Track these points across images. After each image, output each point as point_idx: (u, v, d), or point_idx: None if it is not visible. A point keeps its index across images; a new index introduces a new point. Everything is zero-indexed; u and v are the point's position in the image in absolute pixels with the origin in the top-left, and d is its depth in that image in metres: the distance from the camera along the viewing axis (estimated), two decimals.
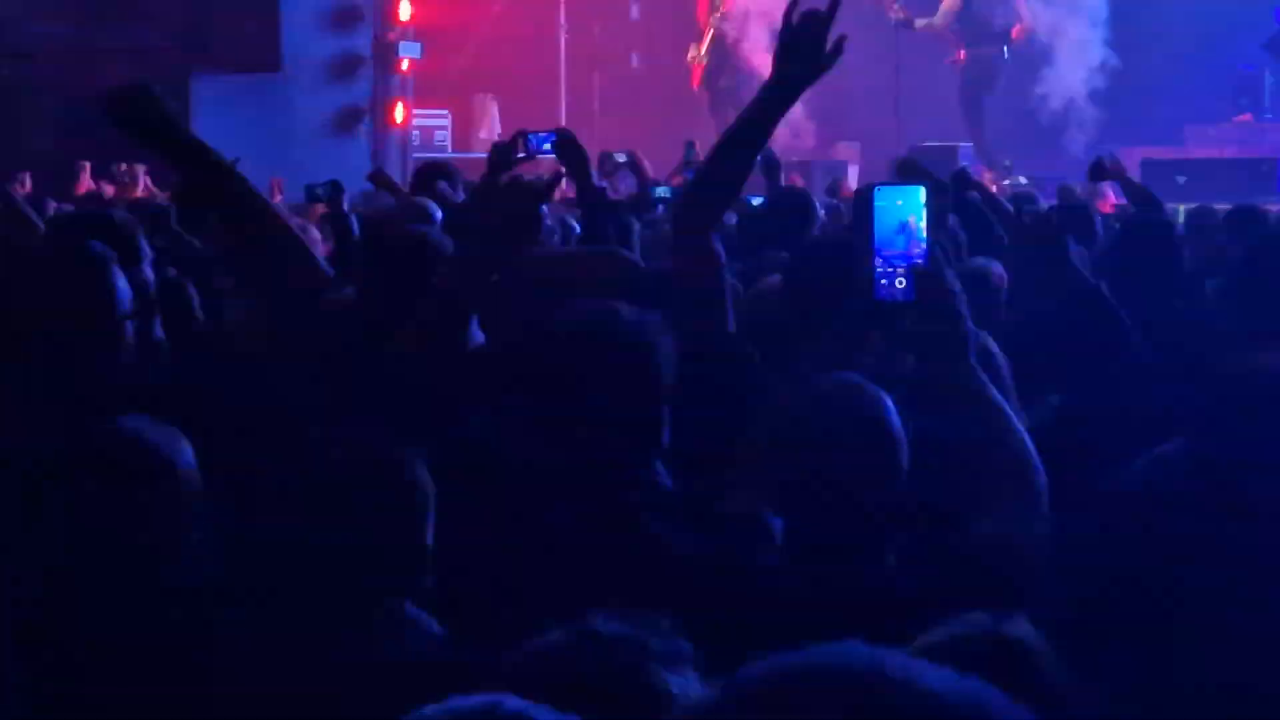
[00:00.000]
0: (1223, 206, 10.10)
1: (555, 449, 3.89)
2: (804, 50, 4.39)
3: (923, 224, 3.78)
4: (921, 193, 3.80)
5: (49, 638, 3.36)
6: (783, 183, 10.48)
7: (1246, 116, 21.10)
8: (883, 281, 3.79)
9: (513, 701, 1.65)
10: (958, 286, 3.82)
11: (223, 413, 4.10)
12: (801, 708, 1.06)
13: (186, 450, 3.56)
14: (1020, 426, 3.83)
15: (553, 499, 3.89)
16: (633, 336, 3.88)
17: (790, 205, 7.88)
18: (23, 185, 12.77)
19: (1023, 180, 17.59)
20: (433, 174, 8.59)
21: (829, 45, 4.41)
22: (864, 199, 3.92)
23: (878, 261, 3.79)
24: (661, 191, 10.93)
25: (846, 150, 21.90)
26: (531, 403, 3.97)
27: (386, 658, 3.17)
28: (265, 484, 3.78)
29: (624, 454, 3.85)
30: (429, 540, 3.34)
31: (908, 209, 3.78)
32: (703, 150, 13.42)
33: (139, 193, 13.44)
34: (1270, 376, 3.34)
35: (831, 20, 4.39)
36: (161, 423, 3.58)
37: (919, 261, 3.77)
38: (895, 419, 3.68)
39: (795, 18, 4.42)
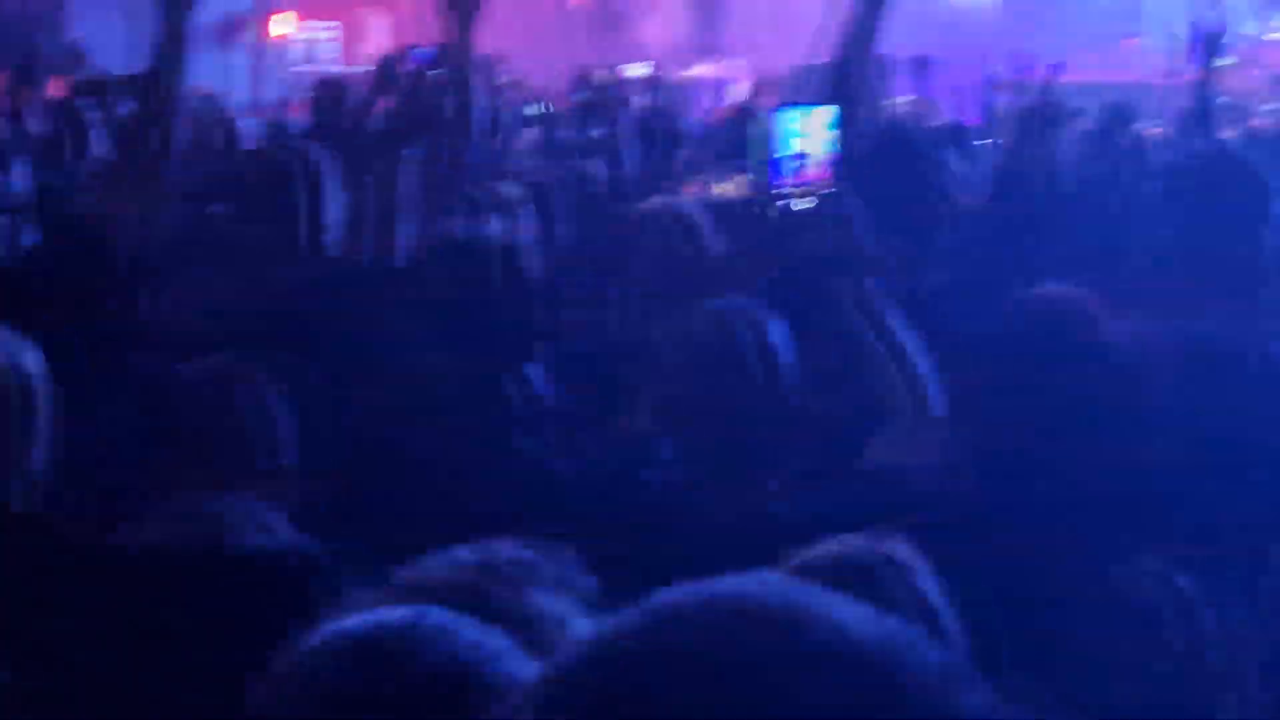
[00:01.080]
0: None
1: (432, 361, 4.05)
2: None
3: (824, 144, 3.77)
4: (823, 113, 3.80)
5: None
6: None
7: (1133, 40, 21.19)
8: (780, 202, 3.79)
9: (437, 614, 1.67)
10: (855, 209, 3.83)
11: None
12: (713, 645, 1.06)
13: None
14: (917, 353, 3.83)
15: (430, 410, 3.99)
16: (494, 249, 4.09)
17: None
18: None
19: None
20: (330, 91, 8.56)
21: None
22: (767, 118, 3.91)
23: (778, 180, 3.79)
24: (530, 110, 10.90)
25: (732, 67, 21.82)
26: (411, 317, 4.09)
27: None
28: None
29: (496, 364, 4.00)
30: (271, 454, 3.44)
31: (810, 129, 3.78)
32: (588, 71, 13.36)
33: None
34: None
35: None
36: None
37: (817, 182, 3.77)
38: (781, 342, 3.69)
39: None
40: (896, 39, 16.74)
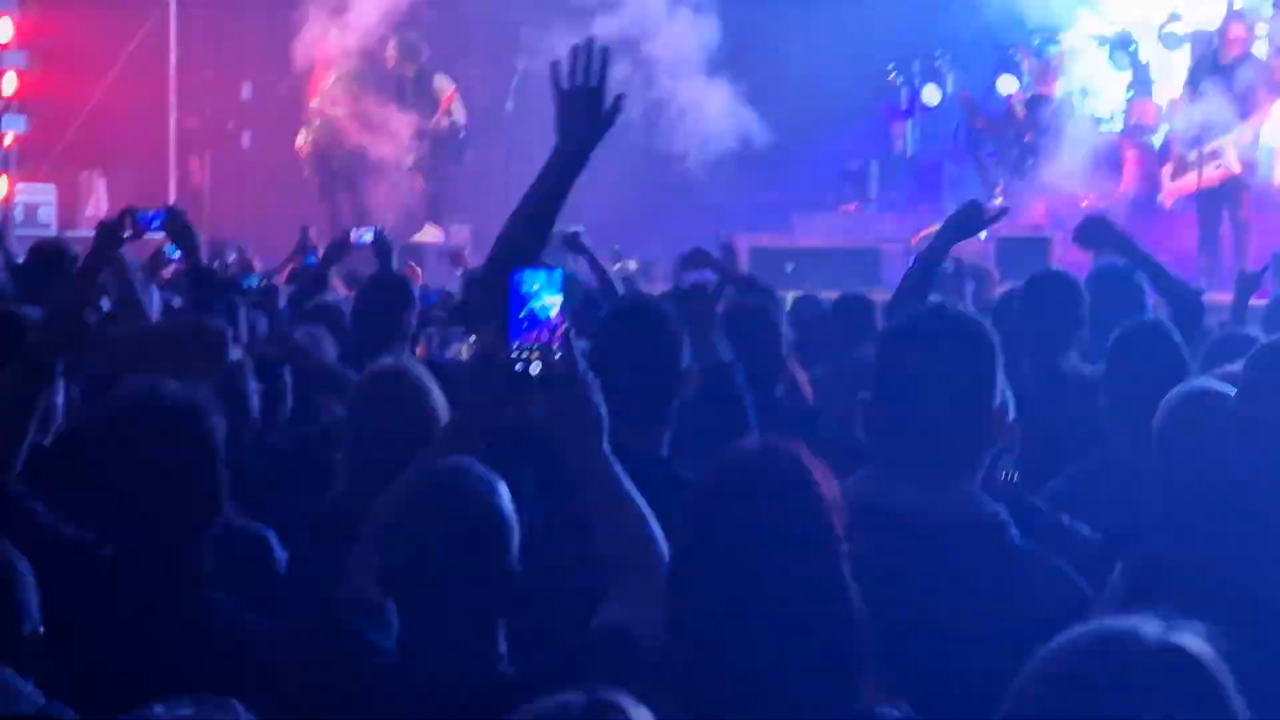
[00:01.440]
0: (829, 294, 10.34)
1: (111, 527, 4.10)
2: (584, 112, 4.37)
3: (557, 306, 3.78)
4: (558, 275, 3.81)
5: None
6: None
7: (852, 206, 21.60)
8: (519, 366, 3.78)
9: None
10: (588, 373, 3.82)
11: None
12: None
13: None
14: (646, 514, 3.82)
15: (113, 580, 4.04)
16: (176, 409, 4.11)
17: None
18: None
19: (632, 265, 17.64)
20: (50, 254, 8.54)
21: (607, 104, 4.39)
22: (503, 280, 3.87)
23: (514, 342, 3.78)
24: (250, 280, 11.05)
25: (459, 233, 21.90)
26: (88, 482, 4.11)
27: None
28: None
29: (179, 527, 4.06)
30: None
31: (544, 291, 3.78)
32: (316, 235, 13.33)
33: None
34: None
35: (604, 81, 4.38)
36: None
37: (550, 344, 3.76)
38: (505, 504, 3.68)
39: (565, 83, 4.39)
40: (631, 198, 16.84)
